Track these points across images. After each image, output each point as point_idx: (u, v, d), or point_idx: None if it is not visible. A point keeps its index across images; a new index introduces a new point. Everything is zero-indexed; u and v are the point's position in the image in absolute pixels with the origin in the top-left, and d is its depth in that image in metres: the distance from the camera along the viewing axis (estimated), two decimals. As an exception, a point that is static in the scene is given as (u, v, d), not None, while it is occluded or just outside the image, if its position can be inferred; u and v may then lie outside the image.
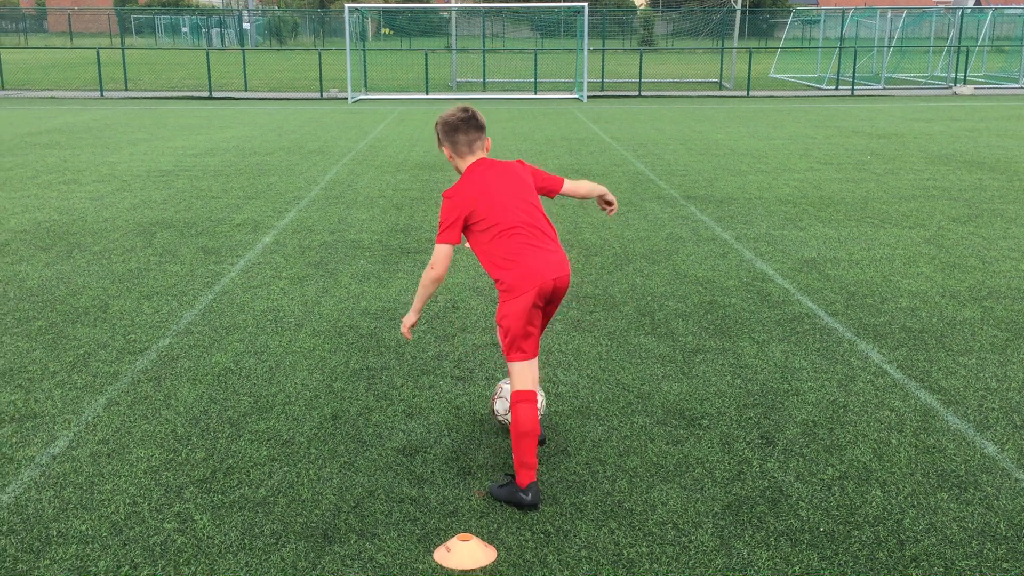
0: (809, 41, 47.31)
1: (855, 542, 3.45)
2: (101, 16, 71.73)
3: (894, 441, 4.28)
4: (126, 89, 28.68)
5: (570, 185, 4.18)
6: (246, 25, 58.49)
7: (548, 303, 3.84)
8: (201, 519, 3.60)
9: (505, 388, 4.26)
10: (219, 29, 59.68)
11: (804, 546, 3.43)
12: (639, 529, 3.54)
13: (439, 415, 4.55)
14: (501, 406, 4.26)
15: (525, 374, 3.76)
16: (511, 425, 3.74)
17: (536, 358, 3.81)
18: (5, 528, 3.53)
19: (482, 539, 3.44)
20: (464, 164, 3.90)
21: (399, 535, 3.49)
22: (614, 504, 3.71)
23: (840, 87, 29.72)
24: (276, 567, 3.29)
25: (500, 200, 3.78)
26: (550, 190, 4.09)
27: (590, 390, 4.86)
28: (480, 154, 3.91)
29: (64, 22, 72.09)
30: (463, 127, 3.87)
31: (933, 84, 31.17)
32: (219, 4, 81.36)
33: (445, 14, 40.08)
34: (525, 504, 3.68)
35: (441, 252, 3.77)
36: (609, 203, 4.35)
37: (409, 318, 3.99)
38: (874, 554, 3.38)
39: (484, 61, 31.48)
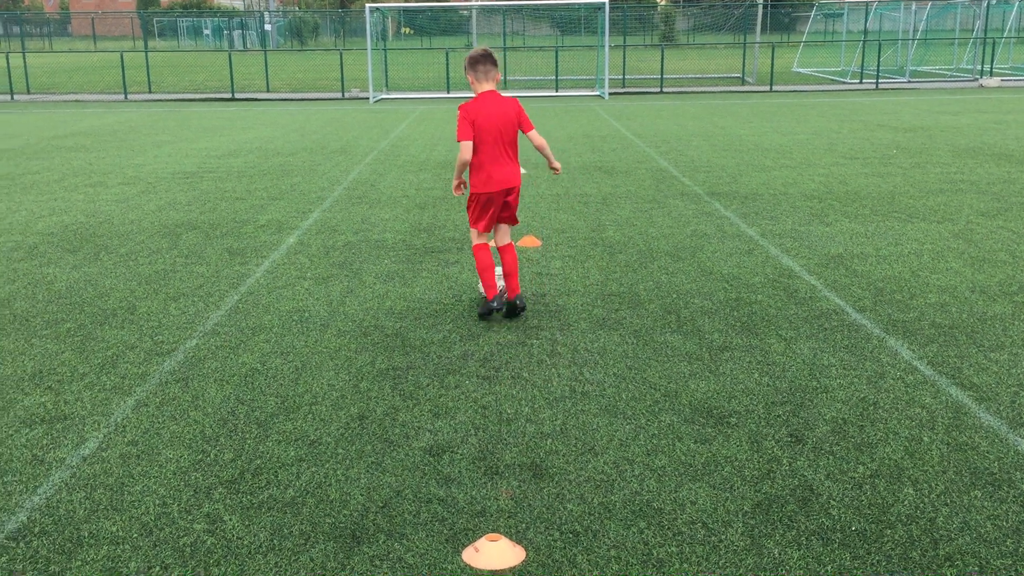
0: (832, 35, 46.93)
1: (888, 541, 3.41)
2: (124, 19, 72.35)
3: (926, 439, 4.23)
4: (150, 92, 28.91)
5: (535, 134, 5.87)
6: (267, 26, 58.76)
7: (504, 197, 5.83)
8: (230, 520, 3.61)
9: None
10: (241, 31, 60.02)
11: (836, 545, 3.39)
12: (668, 528, 3.51)
13: (465, 414, 4.55)
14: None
15: (482, 238, 5.95)
16: (476, 266, 6.08)
17: (489, 231, 5.96)
18: (37, 529, 3.56)
19: (510, 539, 3.43)
20: (480, 88, 5.81)
21: (427, 535, 3.49)
22: (643, 503, 3.69)
23: (864, 81, 29.48)
24: (305, 568, 3.30)
25: (490, 123, 5.70)
26: (522, 127, 5.87)
27: (616, 388, 4.84)
28: (491, 84, 5.82)
29: (88, 26, 72.73)
30: (482, 60, 5.78)
31: (959, 77, 30.84)
32: (240, 6, 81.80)
33: (465, 12, 40.10)
34: (492, 309, 5.87)
35: (463, 145, 5.65)
36: (554, 169, 6.16)
37: (454, 183, 5.87)
38: (907, 553, 3.34)
39: (505, 59, 31.48)
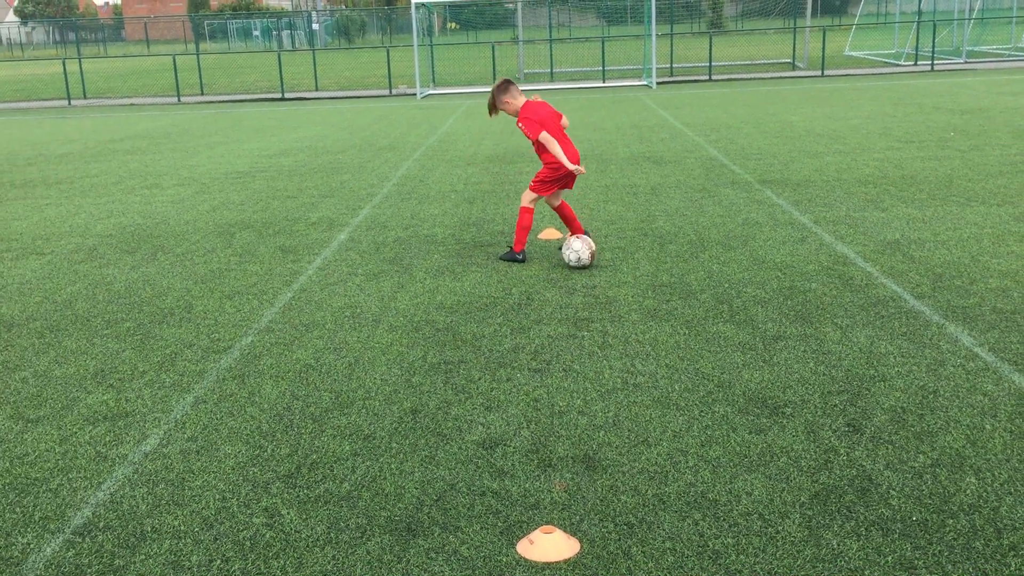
0: (885, 16, 46.03)
1: (950, 531, 3.35)
2: (176, 23, 73.59)
3: (988, 427, 4.14)
4: (202, 93, 29.38)
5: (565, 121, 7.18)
6: (315, 26, 59.33)
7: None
8: (288, 513, 3.66)
9: (573, 245, 6.99)
10: (289, 31, 60.71)
11: (896, 536, 3.33)
12: (724, 520, 3.49)
13: (517, 407, 4.56)
14: (572, 256, 6.97)
15: (533, 203, 7.15)
16: (519, 223, 7.21)
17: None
18: (102, 524, 3.65)
19: (565, 531, 3.43)
20: (521, 100, 7.02)
21: (482, 528, 3.50)
22: (698, 495, 3.67)
23: (919, 63, 28.85)
24: (362, 560, 3.33)
25: (549, 119, 6.94)
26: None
27: (669, 380, 4.81)
28: (524, 97, 7.08)
29: (141, 30, 74.12)
30: (513, 82, 7.06)
31: (1018, 56, 30.03)
32: (288, 6, 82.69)
33: (511, 5, 40.07)
34: (519, 260, 7.18)
35: (544, 136, 6.79)
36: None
37: (568, 168, 6.80)
38: (970, 543, 3.27)
39: (551, 51, 31.39)
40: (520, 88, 7.08)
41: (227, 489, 3.87)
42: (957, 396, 4.47)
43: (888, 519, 3.44)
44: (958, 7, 34.15)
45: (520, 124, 6.91)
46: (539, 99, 7.12)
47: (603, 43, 29.68)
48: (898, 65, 29.08)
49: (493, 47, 29.11)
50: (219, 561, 3.36)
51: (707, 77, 27.89)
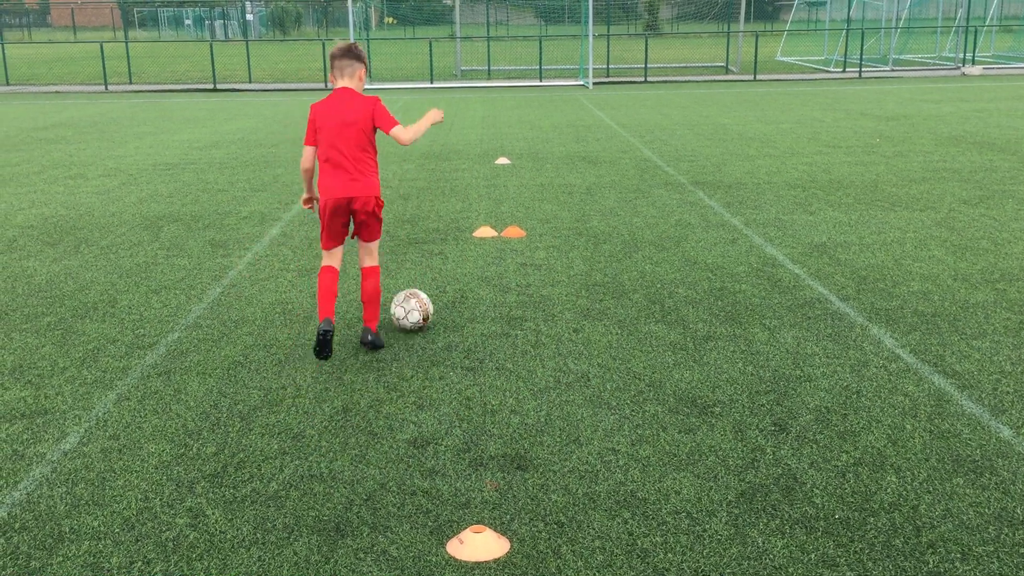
0: (815, 23, 47.04)
1: (871, 529, 3.43)
2: (104, 9, 71.67)
3: (908, 426, 4.25)
4: (130, 82, 28.67)
5: (398, 131, 4.98)
6: (249, 16, 58.35)
7: (354, 216, 5.12)
8: (213, 514, 3.59)
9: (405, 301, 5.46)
10: (222, 21, 59.60)
11: (819, 533, 3.40)
12: (653, 519, 3.52)
13: (449, 406, 4.54)
14: (400, 311, 5.48)
15: (331, 258, 5.20)
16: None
17: (331, 249, 5.18)
18: (18, 525, 3.53)
19: (495, 531, 3.43)
20: (336, 86, 5.09)
21: (412, 528, 3.48)
22: (627, 494, 3.69)
23: (848, 69, 29.55)
24: (289, 561, 3.28)
25: (333, 123, 4.97)
26: (382, 128, 5.03)
27: (601, 379, 4.83)
28: (347, 81, 5.07)
29: (67, 16, 72.07)
30: (339, 55, 5.06)
31: (941, 65, 30.96)
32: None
33: (449, 2, 39.94)
34: (320, 334, 4.93)
35: (304, 152, 5.13)
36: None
37: (302, 197, 5.37)
38: (890, 541, 3.35)
39: (488, 48, 31.38)
40: (351, 69, 5.08)
41: (150, 489, 3.78)
42: (879, 396, 4.58)
43: (812, 517, 3.51)
44: (885, 16, 35.06)
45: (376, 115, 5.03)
46: (361, 95, 5.09)
47: (540, 42, 29.76)
48: (827, 71, 29.74)
49: (430, 43, 28.99)
50: (140, 563, 3.28)
51: (643, 79, 28.16)
